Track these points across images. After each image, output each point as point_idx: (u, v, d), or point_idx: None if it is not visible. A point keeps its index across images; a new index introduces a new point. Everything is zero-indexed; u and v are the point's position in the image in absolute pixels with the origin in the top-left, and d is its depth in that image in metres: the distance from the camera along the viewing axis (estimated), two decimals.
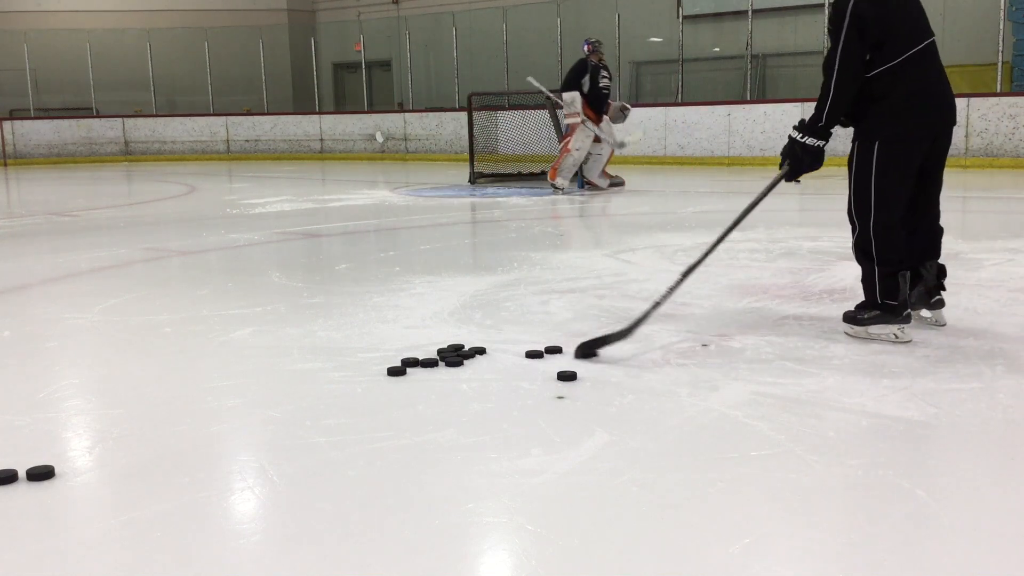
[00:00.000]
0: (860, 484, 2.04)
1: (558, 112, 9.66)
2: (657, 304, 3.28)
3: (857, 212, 3.28)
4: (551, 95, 9.77)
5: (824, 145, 3.26)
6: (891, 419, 2.44)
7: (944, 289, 3.42)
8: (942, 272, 3.41)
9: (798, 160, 3.28)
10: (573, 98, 9.33)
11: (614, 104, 9.59)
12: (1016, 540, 1.78)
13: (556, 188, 9.58)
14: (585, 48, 9.56)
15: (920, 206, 3.34)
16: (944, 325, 3.39)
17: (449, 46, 17.72)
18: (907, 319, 3.27)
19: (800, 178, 3.36)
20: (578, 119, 9.30)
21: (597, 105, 9.48)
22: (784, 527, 1.85)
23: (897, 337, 3.24)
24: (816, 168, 3.31)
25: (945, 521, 1.86)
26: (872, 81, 3.19)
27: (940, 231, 3.42)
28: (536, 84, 9.81)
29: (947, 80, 3.28)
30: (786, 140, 3.34)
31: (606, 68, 9.59)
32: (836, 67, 3.14)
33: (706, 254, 3.42)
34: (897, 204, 3.24)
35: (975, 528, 1.82)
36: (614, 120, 9.59)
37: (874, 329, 3.28)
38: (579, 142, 9.43)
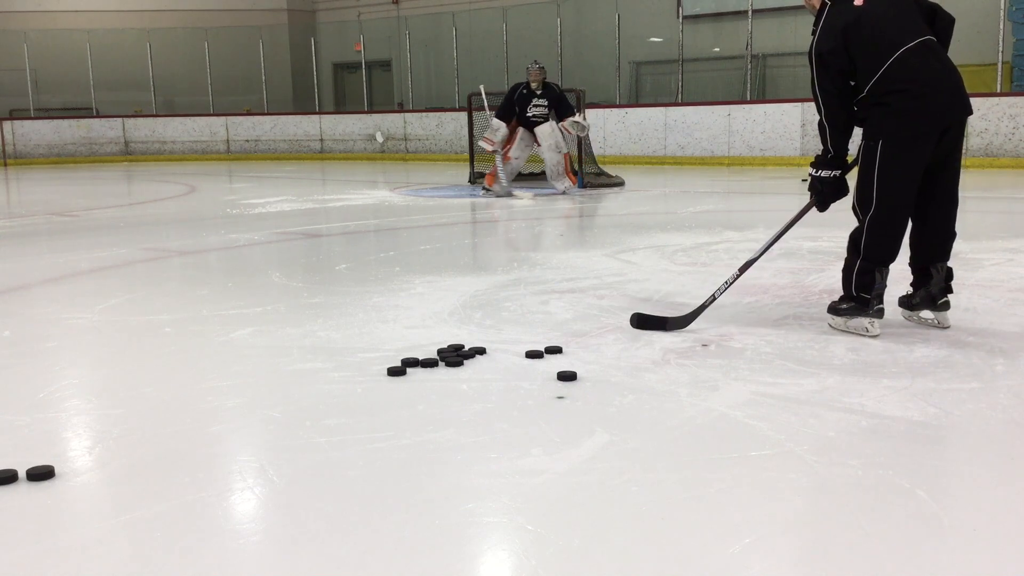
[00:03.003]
0: (860, 484, 2.04)
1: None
2: (713, 298, 3.55)
3: (859, 206, 3.33)
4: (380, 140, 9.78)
5: (841, 175, 3.39)
6: (891, 419, 2.44)
7: (951, 292, 3.40)
8: (949, 275, 3.39)
9: (821, 194, 3.44)
10: (499, 126, 9.32)
11: (569, 123, 9.40)
12: (1016, 540, 1.78)
13: (490, 191, 9.48)
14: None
15: (932, 206, 3.32)
16: (948, 327, 3.38)
17: (449, 46, 17.73)
18: (879, 313, 3.30)
19: (806, 177, 3.53)
20: (491, 147, 9.24)
21: (528, 128, 9.47)
22: (784, 527, 1.85)
23: (868, 331, 3.29)
24: (841, 196, 3.45)
25: (945, 521, 1.86)
26: (866, 99, 3.25)
27: (952, 234, 3.39)
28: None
29: (952, 73, 3.24)
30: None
31: (542, 91, 9.37)
32: (821, 104, 3.32)
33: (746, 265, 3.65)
34: (898, 202, 3.25)
35: (975, 528, 1.82)
36: (576, 131, 9.46)
37: (851, 323, 3.34)
38: (518, 151, 9.42)
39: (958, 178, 3.35)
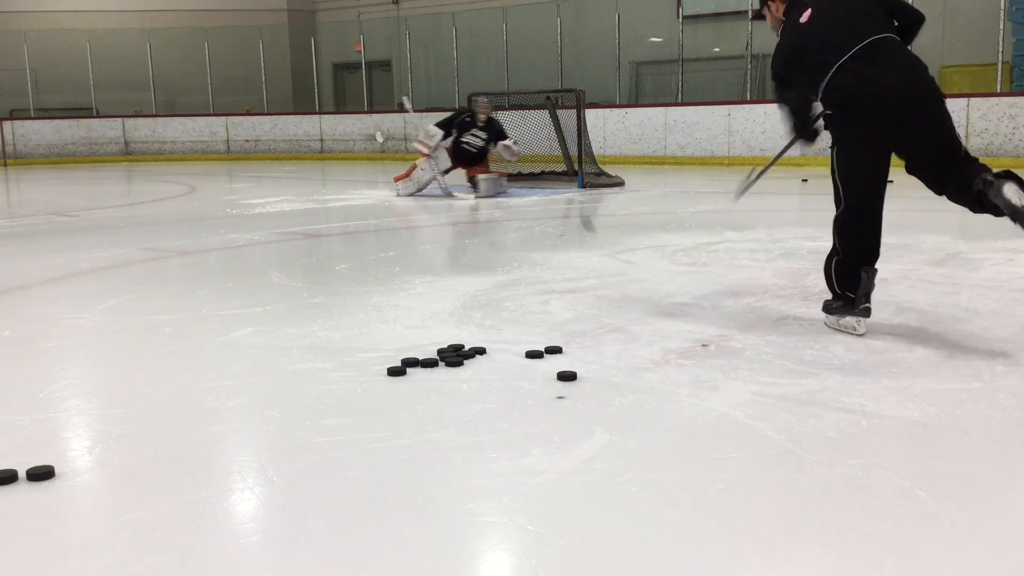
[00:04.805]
0: (860, 484, 2.04)
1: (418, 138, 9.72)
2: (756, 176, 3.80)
3: (835, 206, 3.41)
4: (408, 109, 9.86)
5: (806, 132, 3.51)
6: (891, 419, 2.44)
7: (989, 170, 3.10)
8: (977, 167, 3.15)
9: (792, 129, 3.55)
10: (436, 132, 9.48)
11: (500, 147, 9.62)
12: (1016, 540, 1.78)
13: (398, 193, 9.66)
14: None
15: (948, 184, 3.22)
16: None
17: (449, 46, 17.72)
18: (864, 312, 3.30)
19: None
20: (426, 150, 9.38)
21: (459, 155, 9.67)
22: (784, 527, 1.85)
23: (855, 329, 3.30)
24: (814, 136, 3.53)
25: (945, 521, 1.86)
26: (823, 94, 3.32)
27: (974, 164, 3.17)
28: (407, 104, 10.03)
29: (901, 69, 3.19)
30: (786, 141, 3.51)
31: (486, 127, 9.65)
32: (783, 112, 3.56)
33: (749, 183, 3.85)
34: (861, 203, 3.30)
35: (975, 528, 1.82)
36: (501, 157, 9.69)
37: (842, 321, 3.36)
38: (426, 165, 9.49)
39: (953, 145, 3.22)
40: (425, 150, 9.37)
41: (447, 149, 9.59)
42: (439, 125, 9.62)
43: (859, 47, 3.22)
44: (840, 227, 3.37)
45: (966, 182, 3.10)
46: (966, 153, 3.24)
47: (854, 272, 3.32)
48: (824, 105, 3.34)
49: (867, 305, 3.30)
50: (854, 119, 3.26)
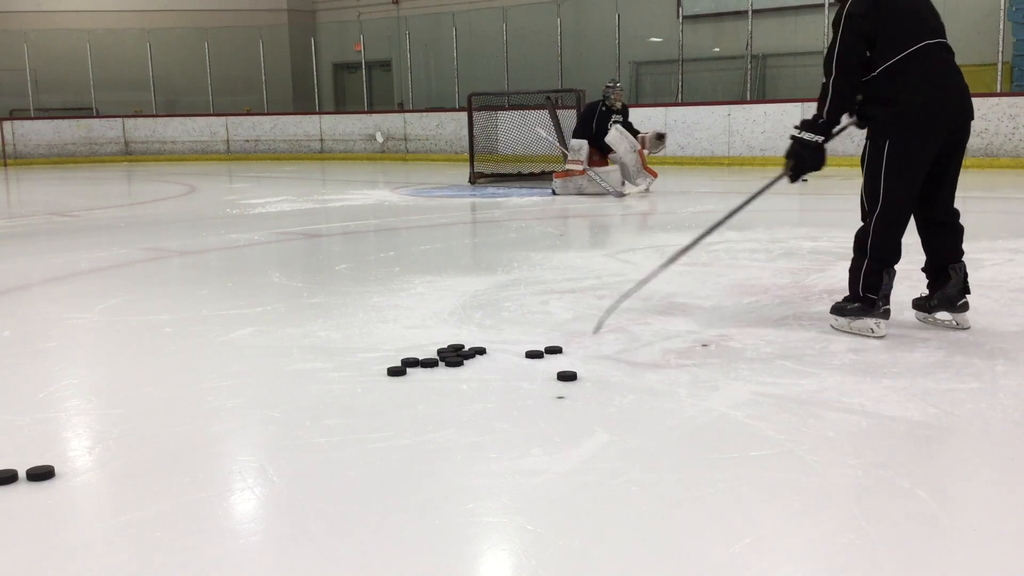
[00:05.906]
0: (860, 484, 2.04)
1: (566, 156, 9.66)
2: (632, 289, 3.62)
3: (868, 206, 3.32)
4: (558, 144, 9.96)
5: (823, 142, 3.29)
6: (891, 419, 2.44)
7: (969, 292, 3.36)
8: (966, 274, 3.36)
9: (800, 158, 3.32)
10: (580, 145, 9.37)
11: (648, 136, 9.62)
12: (1016, 540, 1.78)
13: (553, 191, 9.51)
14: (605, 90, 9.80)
15: (939, 204, 3.32)
16: (968, 328, 3.35)
17: (449, 46, 17.73)
18: (885, 314, 3.29)
19: (806, 177, 3.39)
20: (580, 167, 9.27)
21: (603, 147, 9.56)
22: (784, 527, 1.85)
23: (873, 331, 3.28)
24: (817, 167, 3.35)
25: (945, 521, 1.86)
26: (876, 81, 3.22)
27: (961, 230, 3.38)
28: (544, 135, 10.07)
29: (960, 78, 3.27)
30: (787, 140, 3.40)
31: (619, 111, 9.76)
32: (835, 65, 3.22)
33: (691, 245, 3.67)
34: (903, 202, 3.26)
35: (975, 528, 1.82)
36: (652, 149, 9.65)
37: (856, 323, 3.33)
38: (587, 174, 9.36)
39: (955, 187, 3.36)
40: (579, 168, 9.30)
41: (593, 149, 9.51)
42: (578, 135, 9.56)
43: (936, 41, 3.22)
44: (879, 227, 3.26)
45: (956, 286, 3.33)
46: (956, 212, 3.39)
47: (879, 274, 3.29)
48: (889, 83, 3.18)
49: (888, 307, 3.29)
50: (924, 112, 3.17)
